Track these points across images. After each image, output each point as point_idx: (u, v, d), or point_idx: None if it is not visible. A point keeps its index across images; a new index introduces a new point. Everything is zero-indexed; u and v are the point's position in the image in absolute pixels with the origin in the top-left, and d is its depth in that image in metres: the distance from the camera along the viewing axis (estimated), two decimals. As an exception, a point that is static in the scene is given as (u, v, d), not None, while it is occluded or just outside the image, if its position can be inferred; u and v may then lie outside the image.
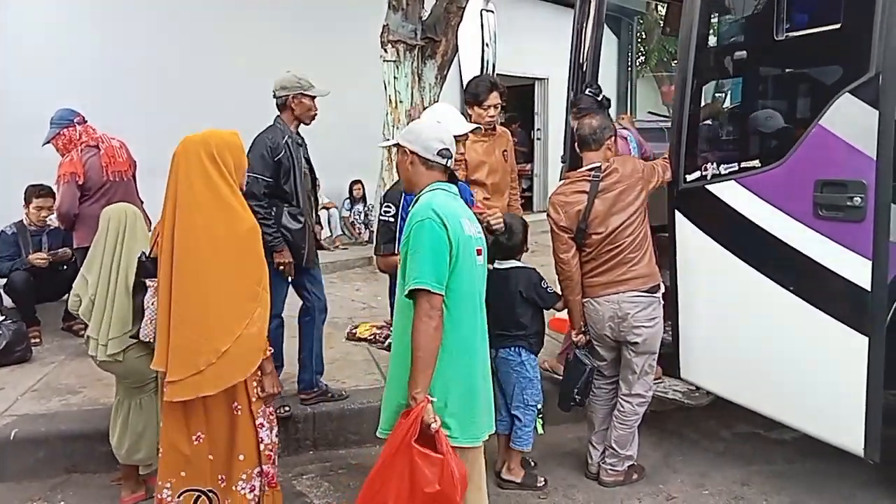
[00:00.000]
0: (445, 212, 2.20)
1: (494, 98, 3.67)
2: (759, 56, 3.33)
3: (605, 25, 4.56)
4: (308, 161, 3.70)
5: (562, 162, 4.23)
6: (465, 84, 4.14)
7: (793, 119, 3.26)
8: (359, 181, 8.85)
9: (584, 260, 3.18)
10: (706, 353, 3.39)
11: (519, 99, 10.84)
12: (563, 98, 4.38)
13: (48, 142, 4.59)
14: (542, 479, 3.28)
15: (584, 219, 3.10)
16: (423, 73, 7.04)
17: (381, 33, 6.78)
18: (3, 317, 4.51)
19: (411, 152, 2.35)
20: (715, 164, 3.27)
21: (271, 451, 2.56)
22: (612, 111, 4.49)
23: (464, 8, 6.68)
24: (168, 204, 2.39)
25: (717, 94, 4.41)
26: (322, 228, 5.67)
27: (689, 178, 3.35)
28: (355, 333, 4.81)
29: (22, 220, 5.03)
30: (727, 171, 3.20)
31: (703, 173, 3.29)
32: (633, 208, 3.11)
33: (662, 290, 3.23)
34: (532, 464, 3.42)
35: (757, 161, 3.11)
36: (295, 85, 3.52)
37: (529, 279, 3.19)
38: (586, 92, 3.93)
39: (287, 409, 3.57)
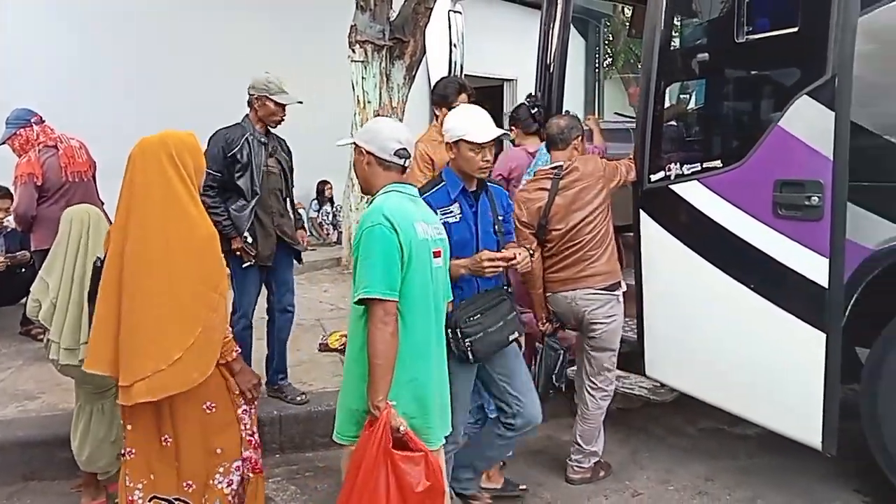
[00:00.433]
0: (397, 216, 2.16)
1: (463, 100, 3.67)
2: (720, 58, 3.38)
3: (572, 27, 4.60)
4: (282, 162, 3.69)
5: None
6: (433, 85, 4.13)
7: (753, 120, 3.33)
8: (327, 181, 8.78)
9: (546, 255, 3.22)
10: (670, 351, 3.43)
11: (487, 100, 10.85)
12: (531, 99, 4.40)
13: (4, 142, 4.46)
14: (523, 486, 3.25)
15: (544, 215, 3.15)
16: (392, 73, 7.03)
17: (349, 33, 6.76)
18: (-42, 322, 4.39)
19: (367, 152, 2.30)
20: (678, 164, 3.32)
21: (251, 436, 2.51)
22: (580, 113, 4.52)
23: (432, 8, 6.69)
24: (122, 205, 2.32)
25: (681, 96, 4.48)
26: (306, 233, 5.61)
27: (654, 178, 3.39)
28: (326, 345, 4.70)
29: (-22, 222, 4.89)
30: (690, 172, 3.25)
31: (667, 173, 3.34)
32: (592, 206, 3.16)
33: (624, 288, 3.27)
34: (501, 463, 3.41)
35: (719, 161, 3.16)
36: (261, 87, 3.51)
37: None
38: (525, 101, 3.99)
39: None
